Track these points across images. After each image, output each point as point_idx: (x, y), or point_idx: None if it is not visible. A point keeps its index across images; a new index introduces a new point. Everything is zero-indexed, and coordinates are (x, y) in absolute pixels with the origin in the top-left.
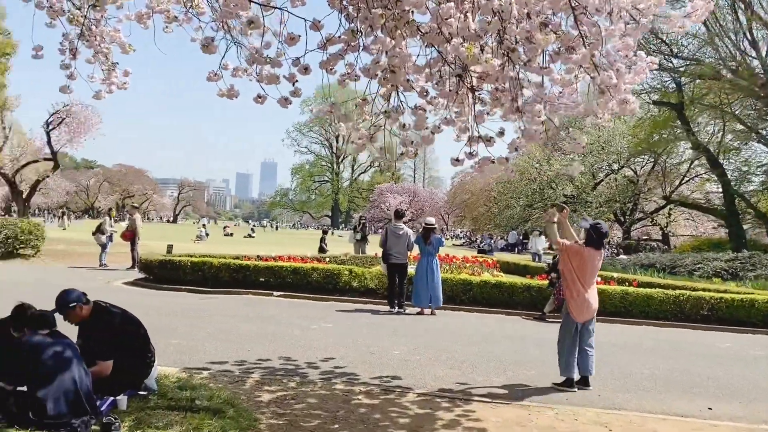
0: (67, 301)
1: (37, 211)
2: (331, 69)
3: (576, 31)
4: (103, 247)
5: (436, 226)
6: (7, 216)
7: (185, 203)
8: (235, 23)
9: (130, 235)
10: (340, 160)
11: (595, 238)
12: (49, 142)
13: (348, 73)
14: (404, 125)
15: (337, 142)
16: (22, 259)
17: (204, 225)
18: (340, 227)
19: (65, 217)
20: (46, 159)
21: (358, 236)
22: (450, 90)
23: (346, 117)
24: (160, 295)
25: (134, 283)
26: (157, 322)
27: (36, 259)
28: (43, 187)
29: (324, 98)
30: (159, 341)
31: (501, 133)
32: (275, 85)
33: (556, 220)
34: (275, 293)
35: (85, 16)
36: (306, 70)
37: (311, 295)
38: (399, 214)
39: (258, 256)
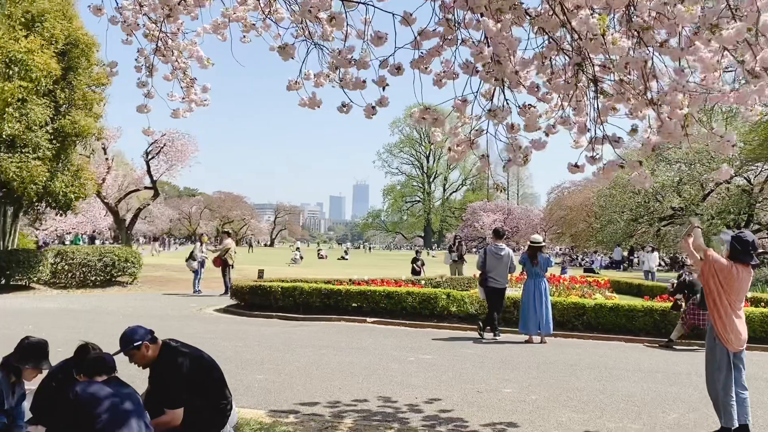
0: (130, 340)
1: (142, 239)
2: (426, 68)
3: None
4: (196, 273)
5: (543, 244)
6: (116, 244)
7: (281, 227)
8: (316, 28)
9: (221, 262)
10: (431, 179)
11: (740, 250)
12: (148, 171)
13: (445, 72)
14: (512, 126)
15: (428, 161)
16: (119, 287)
17: (298, 248)
18: (433, 247)
19: (156, 243)
20: (146, 188)
21: (455, 256)
22: (567, 82)
23: (441, 122)
24: (249, 323)
25: (225, 310)
26: (244, 354)
27: (133, 287)
28: (148, 215)
29: (411, 117)
30: (244, 377)
31: (634, 130)
32: (361, 91)
33: (697, 224)
34: (368, 319)
35: (161, 30)
36: (398, 70)
37: (406, 322)
38: (499, 233)
39: (350, 280)
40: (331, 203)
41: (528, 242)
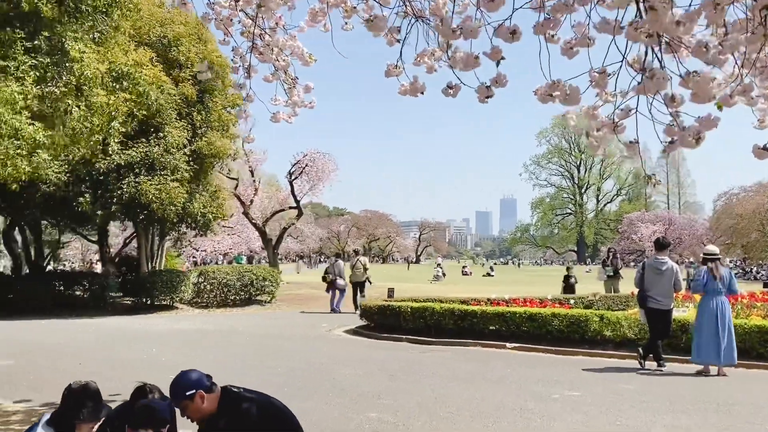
0: (181, 389)
1: (296, 258)
2: (552, 35)
3: None
4: (341, 292)
5: (720, 256)
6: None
7: (426, 244)
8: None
9: (353, 281)
10: (583, 190)
11: None
12: (292, 192)
13: (576, 39)
14: (673, 98)
15: (579, 171)
16: (258, 306)
17: (439, 264)
18: (587, 262)
19: (300, 261)
20: (291, 208)
21: (609, 271)
22: (753, 32)
23: (574, 98)
24: (375, 346)
25: (355, 331)
26: (362, 384)
27: (271, 305)
28: (299, 235)
29: (559, 126)
30: (354, 415)
31: None
32: (474, 70)
33: None
34: (508, 345)
35: (256, 24)
36: (513, 34)
37: (552, 348)
38: (661, 244)
39: (488, 300)
40: (477, 218)
41: (701, 254)
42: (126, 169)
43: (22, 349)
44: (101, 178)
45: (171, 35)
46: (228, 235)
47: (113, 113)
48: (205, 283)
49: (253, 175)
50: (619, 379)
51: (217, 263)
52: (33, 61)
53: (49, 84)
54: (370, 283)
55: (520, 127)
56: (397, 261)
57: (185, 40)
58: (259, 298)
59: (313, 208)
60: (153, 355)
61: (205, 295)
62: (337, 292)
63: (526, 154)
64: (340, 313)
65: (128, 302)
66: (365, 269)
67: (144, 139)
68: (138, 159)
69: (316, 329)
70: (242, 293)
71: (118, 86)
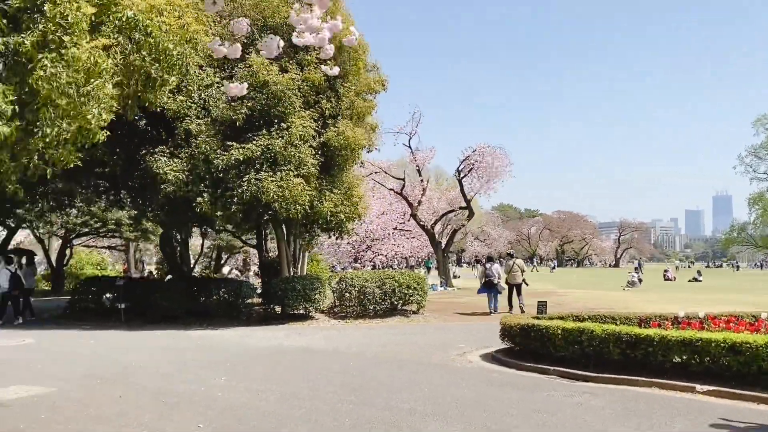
0: None
1: (473, 262)
2: None
3: None
4: (496, 293)
5: None
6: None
7: (627, 246)
8: None
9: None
10: None
11: None
12: (462, 191)
13: None
14: None
15: None
16: (401, 317)
17: (636, 268)
18: None
19: (479, 265)
20: (461, 208)
21: None
22: None
23: None
24: (511, 382)
25: (492, 356)
26: None
27: (417, 316)
28: (486, 238)
29: None
30: None
31: None
32: None
33: None
34: (698, 387)
35: None
36: None
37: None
38: None
39: (675, 318)
40: (686, 218)
41: None
42: (246, 165)
43: (88, 370)
44: (220, 175)
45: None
46: (407, 238)
47: (98, 69)
48: (344, 292)
49: (420, 175)
50: None
51: (393, 268)
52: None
53: (21, 35)
54: (527, 284)
55: (735, 115)
56: (594, 264)
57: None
58: (405, 308)
59: (502, 209)
60: (215, 386)
61: (344, 305)
62: (492, 294)
63: (740, 144)
64: (497, 312)
65: (262, 311)
66: (522, 271)
67: (265, 131)
68: (258, 153)
69: (447, 351)
70: (383, 303)
71: (119, 38)
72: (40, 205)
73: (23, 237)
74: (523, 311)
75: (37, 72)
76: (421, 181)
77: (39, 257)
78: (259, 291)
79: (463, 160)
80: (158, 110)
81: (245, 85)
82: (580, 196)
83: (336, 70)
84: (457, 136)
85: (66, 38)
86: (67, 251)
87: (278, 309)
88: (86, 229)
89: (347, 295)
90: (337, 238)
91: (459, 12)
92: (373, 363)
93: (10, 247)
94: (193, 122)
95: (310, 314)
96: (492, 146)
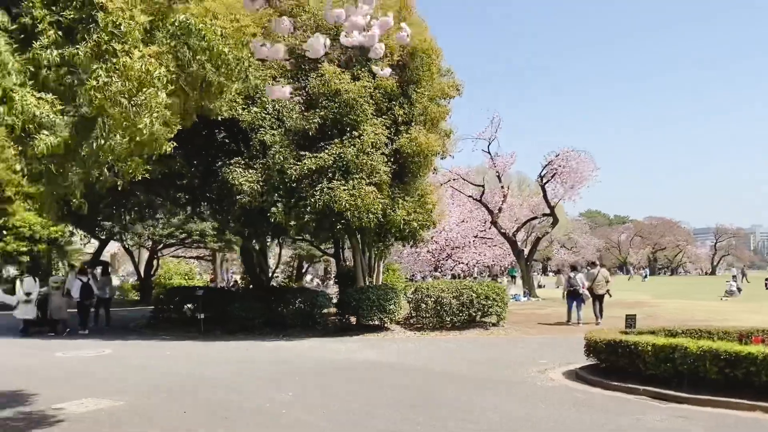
0: None
1: (556, 271)
2: None
3: None
4: (579, 302)
5: None
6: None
7: (724, 253)
8: None
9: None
10: None
11: None
12: (545, 197)
13: None
14: None
15: None
16: (479, 329)
17: (734, 276)
18: None
19: (561, 275)
20: (545, 215)
21: None
22: None
23: None
24: (597, 405)
25: (576, 374)
26: None
27: (496, 328)
28: (574, 245)
29: None
30: None
31: None
32: None
33: None
34: None
35: None
36: None
37: None
38: None
39: None
40: None
41: None
42: (318, 174)
43: (158, 383)
44: (294, 185)
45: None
46: (489, 246)
47: (150, 77)
48: (420, 302)
49: (500, 181)
50: None
51: (475, 278)
52: (56, 16)
53: (76, 47)
54: (610, 296)
55: None
56: (689, 273)
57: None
58: (483, 319)
59: (590, 215)
60: (281, 402)
61: (420, 316)
62: (574, 303)
63: None
64: (580, 323)
65: (338, 321)
66: (606, 281)
67: (337, 140)
68: (330, 162)
69: (527, 367)
70: (460, 314)
71: (173, 44)
72: (125, 217)
73: (117, 248)
74: (597, 323)
75: (90, 82)
76: (502, 187)
77: (130, 268)
78: (335, 300)
79: (546, 165)
80: (229, 120)
81: (288, 88)
82: (674, 201)
83: (387, 71)
84: (541, 139)
85: (117, 47)
86: (155, 262)
87: (353, 319)
88: (172, 240)
89: (423, 306)
90: (411, 246)
91: (544, 8)
92: (447, 380)
93: (104, 258)
94: (268, 133)
95: (385, 325)
96: (576, 150)
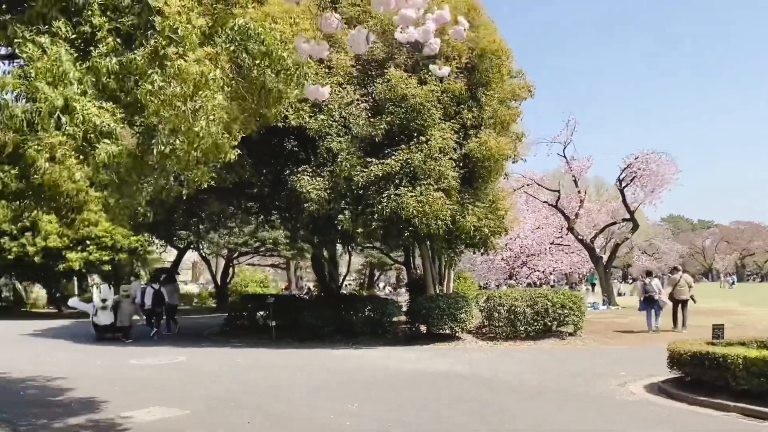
0: None
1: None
2: None
3: None
4: (657, 309)
5: None
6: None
7: None
8: None
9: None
10: None
11: None
12: (624, 201)
13: None
14: None
15: None
16: (555, 339)
17: None
18: None
19: (637, 282)
20: (624, 220)
21: None
22: None
23: None
24: (683, 423)
25: (659, 387)
26: None
27: (573, 338)
28: (655, 252)
29: None
30: None
31: None
32: None
33: None
34: None
35: None
36: None
37: None
38: None
39: None
40: None
41: None
42: (385, 180)
43: (226, 392)
44: (360, 192)
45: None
46: (565, 253)
47: (205, 80)
48: (493, 311)
49: (576, 185)
50: None
51: (553, 286)
52: (114, 23)
53: (134, 53)
54: (695, 302)
55: None
56: None
57: (449, 27)
58: (559, 329)
59: (672, 220)
60: (346, 413)
61: (492, 325)
62: (652, 310)
63: None
64: (658, 330)
65: (408, 330)
66: (690, 287)
67: (404, 146)
68: (397, 168)
69: (606, 380)
70: (535, 323)
71: (232, 48)
72: (198, 226)
73: (197, 257)
74: (678, 330)
75: (145, 86)
76: (579, 192)
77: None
78: (405, 309)
79: (625, 168)
80: (297, 128)
81: (327, 88)
82: (763, 204)
83: (446, 70)
84: (619, 141)
85: (171, 50)
86: (230, 270)
87: (423, 328)
88: (246, 249)
89: (496, 314)
90: (483, 254)
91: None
92: (520, 392)
93: (185, 266)
94: (334, 140)
95: (456, 334)
96: (656, 152)
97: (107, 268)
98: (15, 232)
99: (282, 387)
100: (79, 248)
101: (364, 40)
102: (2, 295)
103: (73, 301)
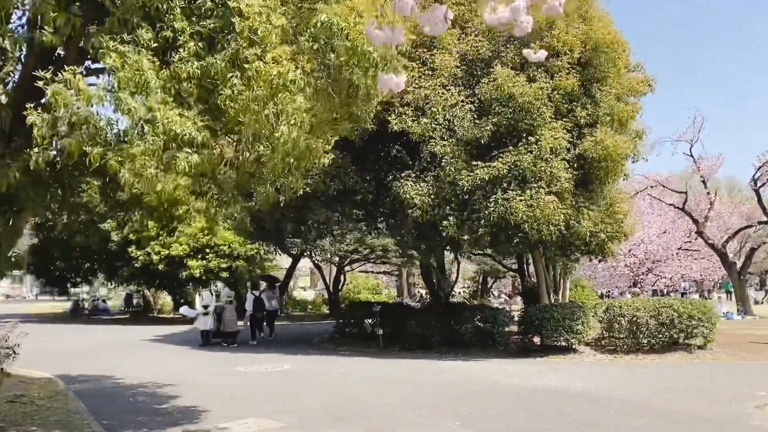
0: None
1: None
2: None
3: None
4: None
5: None
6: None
7: None
8: None
9: None
10: None
11: None
12: (760, 202)
13: None
14: None
15: None
16: (683, 352)
17: None
18: None
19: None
20: (760, 223)
21: None
22: None
23: None
24: None
25: None
26: None
27: (702, 352)
28: None
29: None
30: None
31: None
32: None
33: None
34: None
35: None
36: None
37: None
38: None
39: None
40: None
41: None
42: (492, 184)
43: (324, 404)
44: (466, 197)
45: (540, 17)
46: (695, 259)
47: (284, 81)
48: (612, 322)
49: (706, 186)
50: None
51: (683, 294)
52: (196, 26)
53: (215, 56)
54: None
55: None
56: None
57: (560, 22)
58: (687, 341)
59: None
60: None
61: (612, 337)
62: None
63: None
64: None
65: (520, 341)
66: None
67: (512, 147)
68: (505, 171)
69: (741, 402)
70: (659, 335)
71: (316, 46)
72: (307, 234)
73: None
74: None
75: (225, 91)
76: (708, 193)
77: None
78: (517, 319)
79: (760, 167)
80: (400, 133)
81: (403, 78)
82: None
83: (542, 54)
84: (754, 138)
85: (249, 51)
86: (342, 276)
87: (536, 339)
88: (357, 256)
89: (616, 325)
90: (600, 261)
91: None
92: (641, 415)
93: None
94: (438, 144)
95: (572, 346)
96: None
97: (225, 275)
98: (142, 241)
99: (383, 402)
100: (199, 256)
101: (442, 19)
102: (134, 302)
103: (183, 309)
